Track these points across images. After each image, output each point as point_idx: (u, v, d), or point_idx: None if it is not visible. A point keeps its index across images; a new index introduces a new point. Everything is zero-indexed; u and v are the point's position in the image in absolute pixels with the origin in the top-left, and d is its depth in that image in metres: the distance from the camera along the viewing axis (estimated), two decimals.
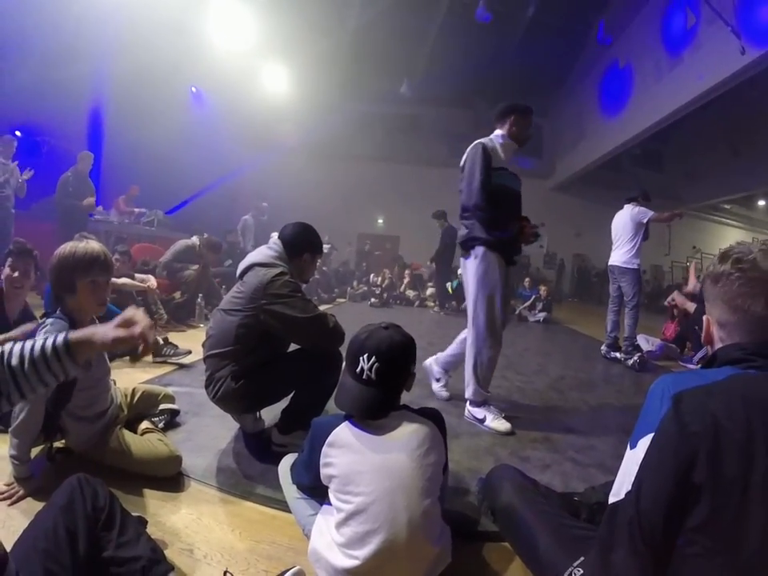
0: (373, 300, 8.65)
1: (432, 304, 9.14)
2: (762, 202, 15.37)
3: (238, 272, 1.99)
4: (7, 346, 0.90)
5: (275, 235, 2.11)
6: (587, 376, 3.95)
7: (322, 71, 10.02)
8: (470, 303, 2.53)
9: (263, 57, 8.75)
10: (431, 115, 13.72)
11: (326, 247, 8.37)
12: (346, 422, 1.22)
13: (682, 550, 0.78)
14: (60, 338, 0.92)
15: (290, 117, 10.61)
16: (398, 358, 1.24)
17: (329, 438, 1.19)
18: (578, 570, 1.03)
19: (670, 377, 0.90)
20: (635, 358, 4.38)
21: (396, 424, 1.20)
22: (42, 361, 0.89)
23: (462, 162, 2.58)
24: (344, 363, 1.32)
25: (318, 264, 2.18)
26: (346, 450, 1.17)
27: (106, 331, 0.96)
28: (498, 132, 2.61)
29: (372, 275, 10.00)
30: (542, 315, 7.91)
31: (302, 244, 2.00)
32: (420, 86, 11.54)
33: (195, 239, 5.23)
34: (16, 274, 2.31)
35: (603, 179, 12.44)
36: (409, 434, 1.19)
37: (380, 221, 14.43)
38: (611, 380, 3.97)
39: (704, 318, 0.98)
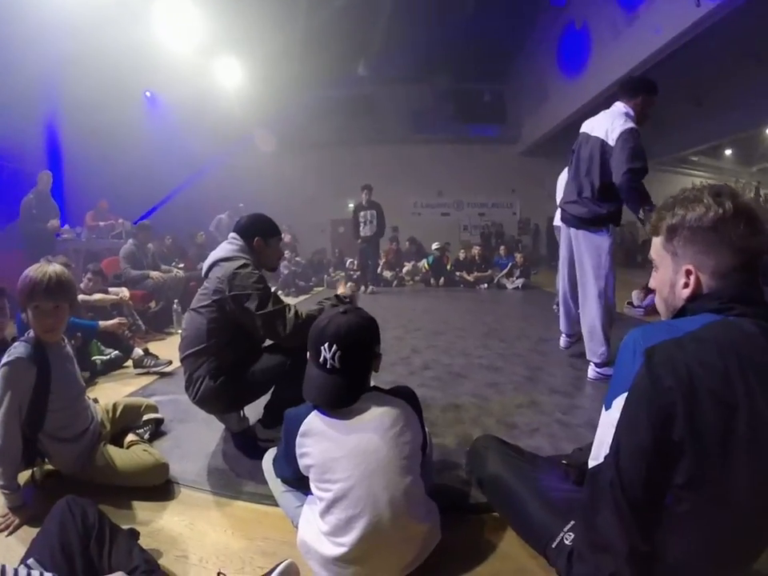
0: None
1: (410, 280, 9.12)
2: (728, 151, 15.60)
3: (203, 271, 1.96)
4: None
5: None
6: None
7: (276, 62, 9.73)
8: (599, 276, 2.66)
9: (215, 53, 8.50)
10: (390, 93, 13.42)
11: (285, 236, 8.25)
12: (315, 410, 1.19)
13: (671, 508, 0.76)
14: None
15: (249, 111, 10.33)
16: (359, 342, 1.20)
17: (301, 428, 1.17)
18: (569, 535, 1.03)
19: (640, 330, 0.86)
20: None
21: (365, 407, 1.17)
22: None
23: (602, 136, 2.59)
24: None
25: (282, 250, 2.16)
26: (320, 438, 1.15)
27: None
28: (624, 108, 2.61)
29: (348, 260, 9.85)
30: (519, 281, 7.94)
31: (251, 230, 1.97)
32: (377, 66, 11.31)
33: (130, 241, 5.04)
34: None
35: (571, 140, 12.35)
36: (379, 415, 1.16)
37: (351, 205, 14.30)
38: None
39: (683, 269, 0.89)
